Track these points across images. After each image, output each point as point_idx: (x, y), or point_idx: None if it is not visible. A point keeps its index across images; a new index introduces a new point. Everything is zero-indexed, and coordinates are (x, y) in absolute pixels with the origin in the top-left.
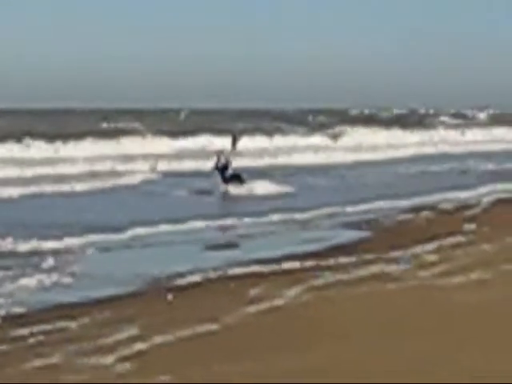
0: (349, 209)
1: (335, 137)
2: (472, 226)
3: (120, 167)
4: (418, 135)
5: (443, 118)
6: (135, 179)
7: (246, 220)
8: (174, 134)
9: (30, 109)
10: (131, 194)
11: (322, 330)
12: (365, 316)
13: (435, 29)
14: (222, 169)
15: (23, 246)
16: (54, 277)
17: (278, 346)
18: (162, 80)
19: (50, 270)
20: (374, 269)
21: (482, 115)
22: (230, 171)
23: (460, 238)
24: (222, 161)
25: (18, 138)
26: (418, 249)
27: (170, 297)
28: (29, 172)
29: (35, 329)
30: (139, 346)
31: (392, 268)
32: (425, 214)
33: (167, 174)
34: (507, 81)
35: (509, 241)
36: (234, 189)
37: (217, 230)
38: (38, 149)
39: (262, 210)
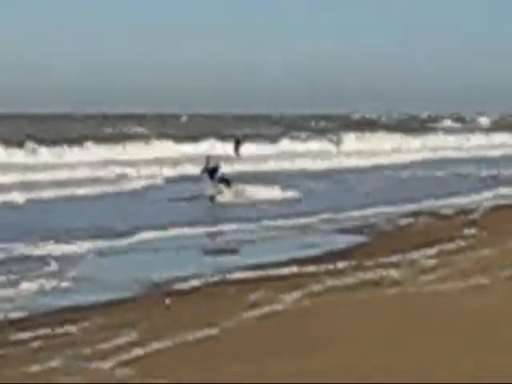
0: (350, 214)
1: (337, 142)
2: (472, 231)
3: (124, 172)
4: (419, 140)
5: (445, 123)
6: (138, 184)
7: (250, 225)
8: (177, 138)
9: (32, 114)
10: (133, 199)
11: (321, 335)
12: (364, 321)
13: (435, 29)
14: (211, 171)
15: (26, 251)
16: (54, 282)
17: (278, 350)
18: (163, 83)
19: (50, 275)
20: (374, 274)
21: (484, 120)
22: (219, 174)
23: (460, 243)
24: (211, 164)
25: (20, 143)
26: (418, 253)
27: (168, 301)
28: (32, 177)
29: (36, 333)
30: (138, 351)
31: (392, 273)
32: (425, 218)
33: (170, 180)
34: (507, 81)
35: (509, 246)
36: (229, 194)
37: (208, 237)
38: (41, 154)
39: (264, 215)
